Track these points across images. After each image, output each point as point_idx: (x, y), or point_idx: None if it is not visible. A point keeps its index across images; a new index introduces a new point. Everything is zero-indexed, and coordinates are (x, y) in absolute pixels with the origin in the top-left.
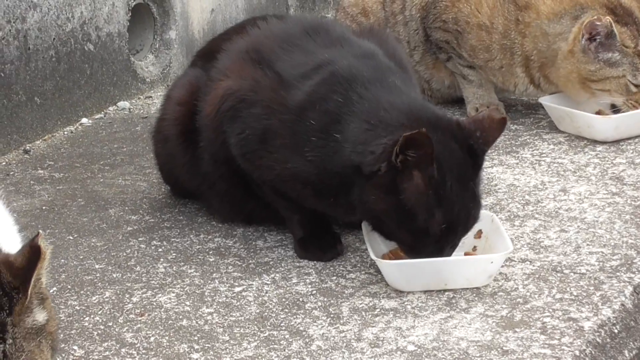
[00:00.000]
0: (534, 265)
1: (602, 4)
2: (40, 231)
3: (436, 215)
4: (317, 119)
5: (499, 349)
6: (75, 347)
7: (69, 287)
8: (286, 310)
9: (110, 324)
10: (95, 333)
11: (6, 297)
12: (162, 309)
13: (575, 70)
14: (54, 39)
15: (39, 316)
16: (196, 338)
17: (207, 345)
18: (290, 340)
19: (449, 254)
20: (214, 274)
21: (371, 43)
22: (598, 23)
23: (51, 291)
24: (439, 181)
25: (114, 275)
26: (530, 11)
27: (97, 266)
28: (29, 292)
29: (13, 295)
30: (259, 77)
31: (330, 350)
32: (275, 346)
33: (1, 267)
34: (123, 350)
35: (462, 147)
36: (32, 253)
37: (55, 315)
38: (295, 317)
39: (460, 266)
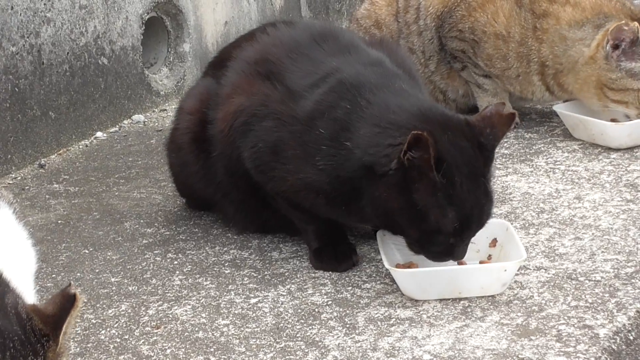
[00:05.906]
0: (549, 273)
1: (627, 14)
2: (72, 282)
3: (449, 215)
4: (326, 127)
5: (514, 357)
6: None
7: (85, 300)
8: (302, 320)
9: (127, 336)
10: (112, 346)
11: (39, 343)
12: (178, 321)
13: (594, 76)
14: (67, 53)
15: None
16: (212, 350)
17: (223, 356)
18: (307, 350)
19: (462, 253)
20: (230, 286)
21: (379, 52)
22: (625, 28)
23: None
24: (448, 181)
25: (130, 288)
26: (549, 18)
27: (112, 279)
28: (60, 339)
29: (44, 343)
30: (268, 90)
31: None
32: (291, 357)
33: (32, 314)
34: None
35: (472, 144)
36: (65, 300)
37: None
38: (311, 327)
39: (474, 274)
